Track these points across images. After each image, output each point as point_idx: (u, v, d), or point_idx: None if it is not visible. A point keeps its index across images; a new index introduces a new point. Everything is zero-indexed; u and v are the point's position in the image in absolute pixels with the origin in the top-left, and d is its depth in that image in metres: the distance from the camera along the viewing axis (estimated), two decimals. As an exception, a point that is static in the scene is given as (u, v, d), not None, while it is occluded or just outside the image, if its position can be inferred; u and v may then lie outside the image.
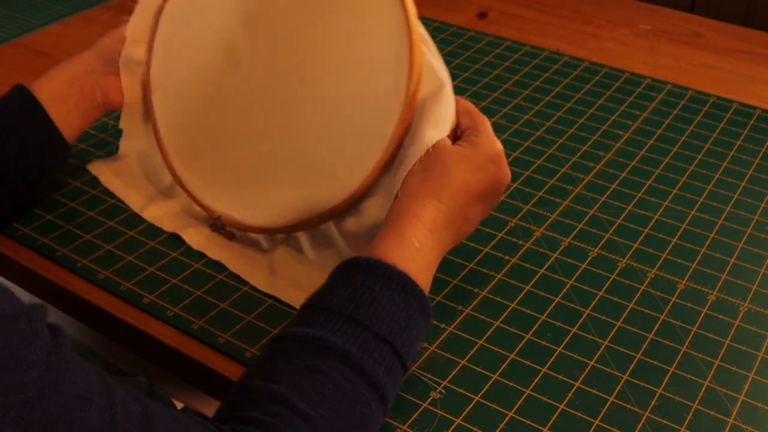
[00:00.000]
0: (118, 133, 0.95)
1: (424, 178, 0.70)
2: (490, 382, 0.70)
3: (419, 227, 0.68)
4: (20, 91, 0.84)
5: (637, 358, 0.72)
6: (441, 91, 0.73)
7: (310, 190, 0.78)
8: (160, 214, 0.87)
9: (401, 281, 0.64)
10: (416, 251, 0.67)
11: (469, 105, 0.76)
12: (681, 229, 0.87)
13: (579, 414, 0.68)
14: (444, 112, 0.73)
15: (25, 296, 0.86)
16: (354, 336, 0.60)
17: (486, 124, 0.74)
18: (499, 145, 0.73)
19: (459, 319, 0.76)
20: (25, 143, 0.83)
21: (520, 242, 0.85)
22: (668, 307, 0.77)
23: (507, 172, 0.74)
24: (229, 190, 0.83)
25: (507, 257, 0.83)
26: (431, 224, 0.69)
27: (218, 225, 0.83)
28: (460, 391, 0.70)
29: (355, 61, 0.76)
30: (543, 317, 0.76)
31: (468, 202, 0.71)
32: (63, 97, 0.85)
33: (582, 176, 0.94)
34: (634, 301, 0.78)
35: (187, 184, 0.86)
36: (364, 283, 0.63)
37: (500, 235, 0.85)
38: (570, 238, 0.85)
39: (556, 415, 0.67)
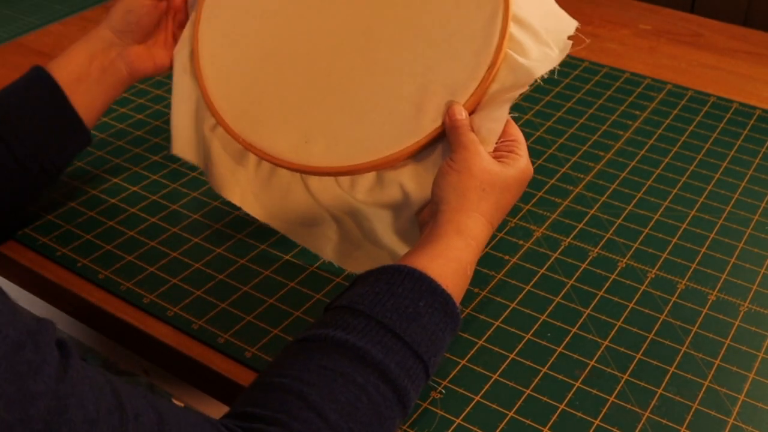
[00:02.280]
0: (120, 134, 0.95)
1: (483, 198, 0.68)
2: (490, 382, 0.70)
3: (468, 246, 0.66)
4: (37, 73, 0.82)
5: (637, 358, 0.72)
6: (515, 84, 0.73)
7: (368, 133, 0.75)
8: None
9: (444, 301, 0.62)
10: (460, 270, 0.65)
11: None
12: (681, 229, 0.87)
13: (579, 414, 0.68)
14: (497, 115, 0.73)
15: (25, 296, 0.86)
16: (394, 351, 0.58)
17: (522, 140, 0.73)
18: (531, 167, 0.72)
19: (459, 319, 0.76)
20: (43, 129, 0.80)
21: (520, 242, 0.85)
22: (668, 307, 0.77)
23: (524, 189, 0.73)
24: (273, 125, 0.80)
25: (507, 257, 0.83)
26: (478, 245, 0.67)
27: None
28: (460, 391, 0.70)
29: (440, 22, 0.76)
30: (543, 317, 0.76)
31: (498, 220, 0.70)
32: (83, 76, 0.83)
33: (582, 176, 0.94)
34: (634, 301, 0.78)
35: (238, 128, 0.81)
36: (408, 296, 0.61)
37: (500, 235, 0.85)
38: (570, 238, 0.85)
39: (556, 415, 0.67)
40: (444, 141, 0.73)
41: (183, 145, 0.84)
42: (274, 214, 0.79)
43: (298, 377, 0.56)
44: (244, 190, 0.80)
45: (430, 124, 0.73)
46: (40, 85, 0.81)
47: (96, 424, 0.46)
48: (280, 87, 0.80)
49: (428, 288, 0.62)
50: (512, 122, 0.73)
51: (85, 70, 0.83)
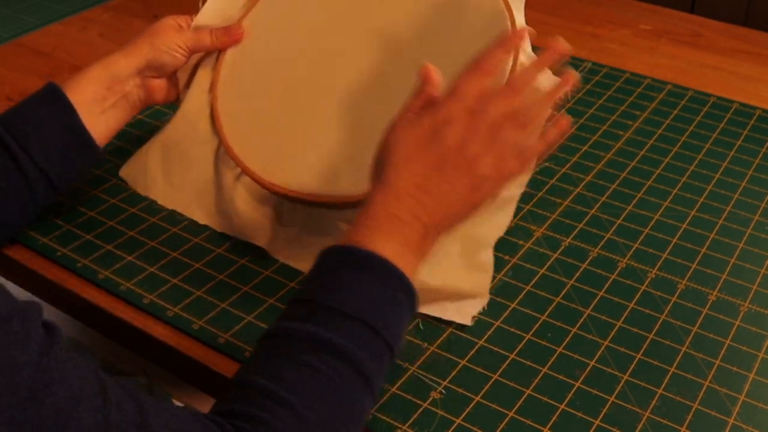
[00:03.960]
0: (120, 134, 0.95)
1: (398, 157, 0.67)
2: (490, 382, 0.70)
3: (415, 227, 0.65)
4: (53, 91, 0.82)
5: (637, 358, 0.72)
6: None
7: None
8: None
9: (378, 265, 0.63)
10: (406, 248, 0.65)
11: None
12: (681, 229, 0.87)
13: (579, 414, 0.68)
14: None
15: (25, 296, 0.86)
16: (348, 330, 0.60)
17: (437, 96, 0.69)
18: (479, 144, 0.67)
19: (459, 319, 0.76)
20: (53, 147, 0.80)
21: (520, 242, 0.85)
22: (668, 307, 0.77)
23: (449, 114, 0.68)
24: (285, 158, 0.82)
25: (507, 257, 0.83)
26: (418, 210, 0.66)
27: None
28: (460, 391, 0.70)
29: (450, 54, 0.76)
30: (543, 317, 0.76)
31: (439, 189, 0.66)
32: (99, 99, 0.83)
33: (582, 176, 0.94)
34: (634, 301, 0.78)
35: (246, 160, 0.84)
36: (341, 271, 0.63)
37: (500, 235, 0.85)
38: (570, 238, 0.85)
39: (556, 415, 0.67)
40: None
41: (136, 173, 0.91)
42: (302, 255, 0.81)
43: (259, 372, 0.59)
44: (274, 235, 0.82)
45: None
46: (53, 103, 0.81)
47: (80, 401, 0.48)
48: (299, 127, 0.83)
49: (358, 258, 0.63)
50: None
51: (103, 94, 0.83)
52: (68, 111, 0.81)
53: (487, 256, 0.79)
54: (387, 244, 0.64)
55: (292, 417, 0.56)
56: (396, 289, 0.63)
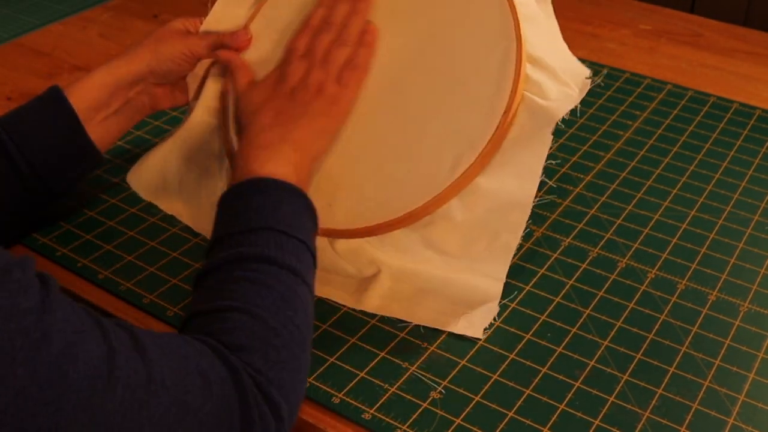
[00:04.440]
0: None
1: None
2: (490, 382, 0.70)
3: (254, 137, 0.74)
4: (55, 96, 0.81)
5: (637, 358, 0.72)
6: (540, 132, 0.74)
7: (389, 192, 0.76)
8: None
9: (267, 184, 0.69)
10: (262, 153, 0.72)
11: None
12: (681, 229, 0.87)
13: (579, 414, 0.68)
14: (533, 159, 0.74)
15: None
16: (252, 241, 0.65)
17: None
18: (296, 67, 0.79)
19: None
20: (52, 152, 0.80)
21: (520, 242, 0.85)
22: (668, 307, 0.77)
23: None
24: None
25: (507, 257, 0.83)
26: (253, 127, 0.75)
27: None
28: (460, 391, 0.70)
29: (455, 74, 0.77)
30: (543, 317, 0.76)
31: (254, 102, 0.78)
32: (102, 105, 0.82)
33: (582, 176, 0.94)
34: (634, 301, 0.78)
35: None
36: (239, 201, 0.68)
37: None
38: (570, 238, 0.85)
39: (556, 415, 0.67)
40: (462, 194, 0.74)
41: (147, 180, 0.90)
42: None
43: (208, 299, 0.63)
44: None
45: (447, 177, 0.74)
46: (54, 108, 0.80)
47: (83, 334, 0.51)
48: None
49: (247, 186, 0.69)
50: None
51: (106, 100, 0.83)
52: (69, 116, 0.80)
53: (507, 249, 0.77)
54: (267, 168, 0.70)
55: (243, 316, 0.61)
56: (285, 195, 0.69)
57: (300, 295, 0.64)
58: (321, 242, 0.77)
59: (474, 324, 0.74)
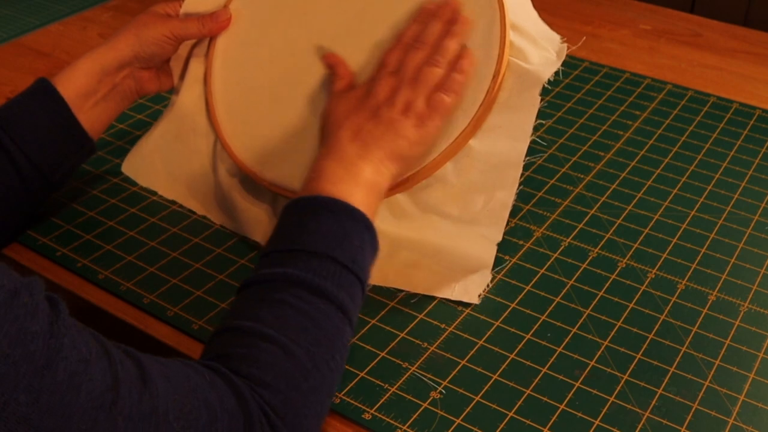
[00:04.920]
0: (120, 134, 0.95)
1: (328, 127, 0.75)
2: (490, 382, 0.70)
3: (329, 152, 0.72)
4: (43, 86, 0.82)
5: (637, 358, 0.72)
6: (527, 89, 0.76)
7: None
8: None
9: (340, 208, 0.67)
10: (343, 175, 0.70)
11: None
12: (681, 229, 0.87)
13: (579, 414, 0.68)
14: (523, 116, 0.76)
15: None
16: (309, 265, 0.63)
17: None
18: (407, 95, 0.75)
19: (459, 319, 0.76)
20: (46, 142, 0.81)
21: (520, 242, 0.85)
22: (668, 307, 0.77)
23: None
24: (279, 157, 0.83)
25: (507, 257, 0.83)
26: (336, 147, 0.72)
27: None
28: (460, 391, 0.70)
29: None
30: (543, 317, 0.76)
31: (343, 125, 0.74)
32: (91, 92, 0.83)
33: (582, 176, 0.94)
34: (634, 301, 0.78)
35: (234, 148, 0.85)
36: (308, 218, 0.67)
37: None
38: (570, 238, 0.85)
39: (556, 415, 0.67)
40: (456, 157, 0.76)
41: (141, 167, 0.91)
42: None
43: (238, 316, 0.62)
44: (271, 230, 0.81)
45: (442, 142, 0.76)
46: (45, 99, 0.81)
47: (89, 363, 0.51)
48: (291, 121, 0.83)
49: (309, 203, 0.68)
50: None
51: (94, 87, 0.84)
52: (60, 105, 0.81)
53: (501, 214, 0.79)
54: (340, 188, 0.68)
55: (277, 350, 0.59)
56: (355, 226, 0.67)
57: (343, 336, 0.63)
58: None
59: (469, 290, 0.77)
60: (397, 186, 0.76)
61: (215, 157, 0.86)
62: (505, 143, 0.77)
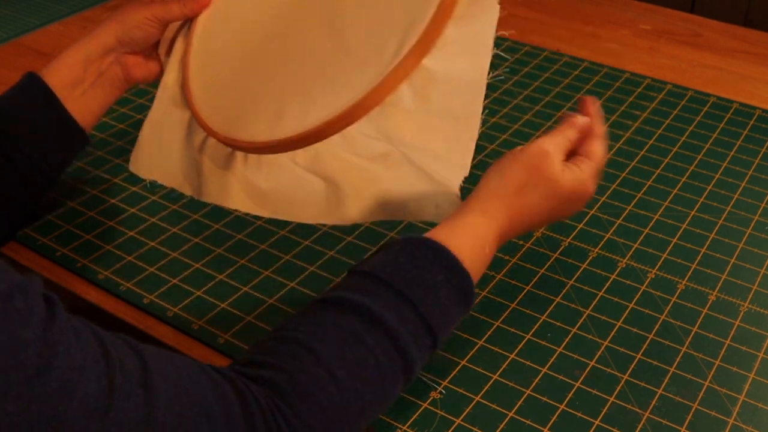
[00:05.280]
0: (120, 134, 0.95)
1: (522, 186, 0.69)
2: (490, 382, 0.70)
3: (493, 232, 0.67)
4: (31, 80, 0.82)
5: (637, 358, 0.72)
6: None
7: (336, 89, 0.75)
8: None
9: (461, 278, 0.64)
10: (478, 247, 0.66)
11: (585, 122, 0.74)
12: (681, 229, 0.87)
13: (579, 414, 0.68)
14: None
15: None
16: (407, 320, 0.60)
17: (597, 159, 0.73)
18: (592, 189, 0.73)
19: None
20: (39, 135, 0.81)
21: (520, 242, 0.85)
22: (668, 307, 0.77)
23: (580, 208, 0.74)
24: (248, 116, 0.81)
25: (507, 257, 0.83)
26: (503, 234, 0.68)
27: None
28: (460, 391, 0.70)
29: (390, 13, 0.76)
30: (543, 317, 0.76)
31: (535, 223, 0.71)
32: (78, 81, 0.83)
33: (582, 176, 0.94)
34: (634, 301, 0.78)
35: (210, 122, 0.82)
36: (428, 269, 0.63)
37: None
38: (570, 238, 0.85)
39: (556, 416, 0.67)
40: (413, 80, 0.72)
41: (150, 164, 0.86)
42: (275, 206, 0.78)
43: (312, 333, 0.58)
44: (238, 192, 0.79)
45: (391, 61, 0.72)
46: (34, 92, 0.82)
47: (83, 371, 0.49)
48: (257, 81, 0.81)
49: (448, 263, 0.63)
50: (597, 141, 0.74)
51: (81, 75, 0.84)
52: (49, 96, 0.81)
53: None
54: (468, 254, 0.64)
55: (319, 370, 0.56)
56: (464, 300, 0.64)
57: (396, 392, 0.61)
58: (281, 159, 0.75)
59: (444, 211, 0.72)
60: (348, 115, 0.73)
61: (189, 130, 0.84)
62: (463, 61, 0.72)
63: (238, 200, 0.78)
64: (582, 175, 0.71)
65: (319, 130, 0.73)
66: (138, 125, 1.01)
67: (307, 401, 0.56)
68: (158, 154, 0.87)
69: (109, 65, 0.85)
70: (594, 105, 0.75)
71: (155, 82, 1.10)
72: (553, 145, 0.71)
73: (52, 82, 0.82)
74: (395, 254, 0.64)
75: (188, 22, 0.88)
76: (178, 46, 0.88)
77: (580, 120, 0.73)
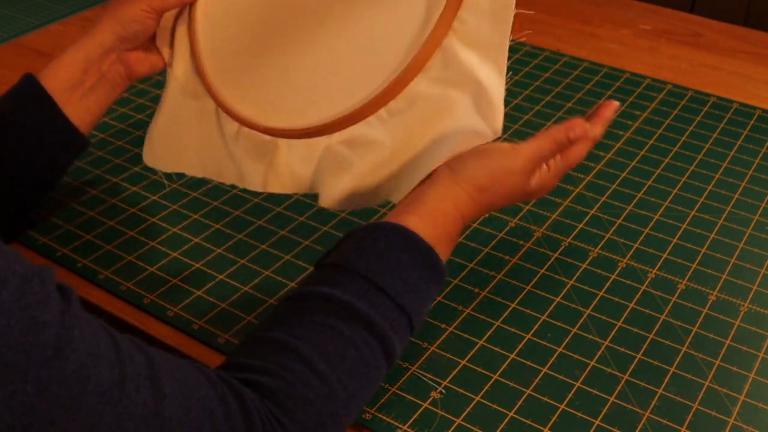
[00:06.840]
0: (120, 134, 0.95)
1: (489, 176, 0.70)
2: (490, 382, 0.70)
3: (454, 210, 0.68)
4: (28, 83, 0.81)
5: (637, 358, 0.72)
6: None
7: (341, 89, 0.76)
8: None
9: (426, 254, 0.65)
10: (443, 221, 0.67)
11: (561, 135, 0.73)
12: (681, 229, 0.87)
13: (579, 414, 0.68)
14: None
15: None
16: (378, 304, 0.61)
17: (574, 158, 0.74)
18: (553, 185, 0.74)
19: (459, 319, 0.76)
20: (34, 141, 0.79)
21: (520, 242, 0.85)
22: (668, 307, 0.77)
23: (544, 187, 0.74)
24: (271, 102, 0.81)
25: (507, 257, 0.83)
26: (465, 212, 0.69)
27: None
28: (460, 391, 0.70)
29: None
30: (543, 317, 0.76)
31: (497, 203, 0.72)
32: (77, 83, 0.81)
33: (582, 176, 0.94)
34: (634, 301, 0.78)
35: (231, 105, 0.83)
36: (391, 251, 0.64)
37: (500, 235, 0.85)
38: (570, 238, 0.85)
39: (556, 415, 0.67)
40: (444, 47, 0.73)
41: (165, 155, 0.86)
42: (311, 184, 0.79)
43: (289, 331, 0.59)
44: (282, 177, 0.80)
45: (422, 32, 0.73)
46: (30, 96, 0.80)
47: (98, 357, 0.50)
48: (280, 66, 0.81)
49: (408, 242, 0.64)
50: (582, 145, 0.74)
51: (80, 78, 0.82)
52: (46, 102, 0.80)
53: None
54: (431, 231, 0.66)
55: (312, 376, 0.57)
56: (433, 275, 0.65)
57: (380, 380, 0.62)
58: (321, 141, 0.77)
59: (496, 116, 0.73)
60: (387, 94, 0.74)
61: (218, 118, 0.84)
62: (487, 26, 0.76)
63: (282, 184, 0.80)
64: (541, 153, 0.71)
65: (361, 110, 0.75)
66: (138, 125, 1.02)
67: (294, 399, 0.57)
68: (178, 146, 0.86)
69: (110, 65, 0.84)
70: (609, 109, 0.76)
71: (155, 82, 1.11)
72: (519, 143, 0.72)
73: (49, 86, 0.80)
74: (357, 242, 0.65)
75: (184, 8, 0.87)
76: (180, 35, 0.86)
77: (557, 132, 0.73)
